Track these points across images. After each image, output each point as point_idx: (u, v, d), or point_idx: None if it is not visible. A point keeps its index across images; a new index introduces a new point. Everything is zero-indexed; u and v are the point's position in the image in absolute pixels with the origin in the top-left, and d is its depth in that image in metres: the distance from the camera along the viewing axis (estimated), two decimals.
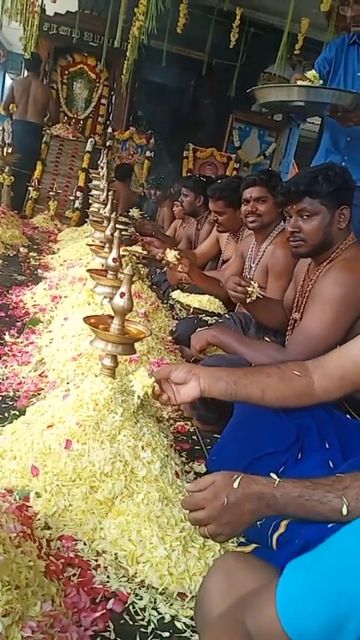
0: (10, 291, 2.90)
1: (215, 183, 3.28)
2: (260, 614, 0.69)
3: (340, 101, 2.06)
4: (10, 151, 4.74)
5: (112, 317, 1.39)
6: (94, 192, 3.81)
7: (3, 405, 1.66)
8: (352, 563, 0.61)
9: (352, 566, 0.61)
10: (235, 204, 2.99)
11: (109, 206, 2.70)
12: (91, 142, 6.47)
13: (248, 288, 1.89)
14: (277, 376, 1.25)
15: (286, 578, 0.68)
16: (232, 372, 1.28)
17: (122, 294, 1.34)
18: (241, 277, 1.99)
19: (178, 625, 1.00)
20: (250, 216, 2.47)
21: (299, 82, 2.12)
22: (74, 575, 1.03)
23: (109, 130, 6.84)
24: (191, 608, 1.01)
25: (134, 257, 3.69)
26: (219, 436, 1.64)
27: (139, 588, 1.06)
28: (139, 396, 1.27)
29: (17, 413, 1.57)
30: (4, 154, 4.69)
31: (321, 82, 2.15)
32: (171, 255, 2.57)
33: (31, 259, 3.85)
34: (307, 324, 1.67)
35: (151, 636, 0.97)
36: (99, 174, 3.99)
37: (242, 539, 1.18)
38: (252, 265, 2.53)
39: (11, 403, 1.68)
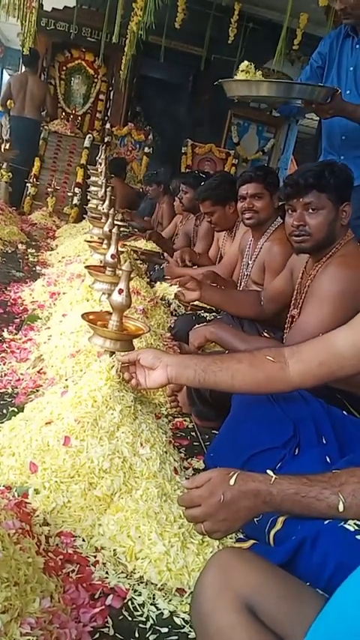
0: (8, 288, 2.89)
1: (201, 186, 3.28)
2: None
3: (311, 96, 2.05)
4: (7, 147, 4.73)
5: (111, 313, 1.40)
6: (92, 188, 3.81)
7: (1, 402, 1.67)
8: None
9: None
10: (221, 200, 3.00)
11: (107, 202, 2.69)
12: (90, 138, 6.45)
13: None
14: (247, 361, 1.23)
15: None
16: (201, 359, 1.27)
17: (120, 291, 1.34)
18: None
19: (177, 621, 1.01)
20: (247, 213, 2.47)
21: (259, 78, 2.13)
22: (73, 571, 1.03)
23: (108, 126, 6.83)
24: (189, 604, 1.01)
25: (133, 253, 3.69)
26: (217, 432, 1.64)
27: (138, 584, 1.07)
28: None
29: (16, 410, 1.57)
30: (2, 150, 4.68)
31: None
32: (172, 290, 2.59)
33: (29, 256, 3.84)
34: (305, 321, 1.67)
35: (150, 632, 0.98)
36: (97, 170, 3.98)
37: (240, 536, 1.18)
38: (249, 262, 2.54)
39: (10, 400, 1.69)
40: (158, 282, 3.02)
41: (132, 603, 1.02)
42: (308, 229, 1.71)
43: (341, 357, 1.17)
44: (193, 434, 1.77)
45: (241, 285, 2.60)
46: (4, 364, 1.93)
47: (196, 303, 2.67)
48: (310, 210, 1.70)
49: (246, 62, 2.09)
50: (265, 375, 1.21)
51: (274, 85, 2.10)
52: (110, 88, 7.03)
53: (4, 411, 1.60)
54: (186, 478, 1.31)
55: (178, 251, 3.40)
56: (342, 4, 2.27)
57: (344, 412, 1.37)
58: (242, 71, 2.08)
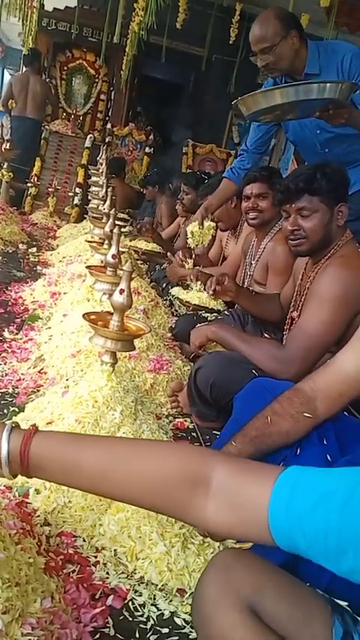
0: (9, 288, 2.90)
1: (203, 185, 3.30)
2: (246, 479, 0.69)
3: (340, 94, 1.94)
4: (8, 147, 4.73)
5: (112, 314, 1.39)
6: (93, 188, 3.81)
7: (2, 402, 1.67)
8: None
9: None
10: None
11: (108, 202, 2.70)
12: (90, 138, 6.45)
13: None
14: (293, 432, 1.22)
15: (299, 472, 0.67)
16: (255, 454, 1.22)
17: (121, 291, 1.34)
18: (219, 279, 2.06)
19: (178, 621, 1.01)
20: (251, 213, 2.48)
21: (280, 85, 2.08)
22: (74, 571, 1.03)
23: (109, 126, 6.83)
24: (190, 605, 1.01)
25: (134, 253, 3.69)
26: (218, 432, 1.64)
27: (139, 584, 1.07)
28: None
29: (16, 409, 1.57)
30: (3, 150, 4.68)
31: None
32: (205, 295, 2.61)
33: (30, 256, 3.84)
34: (305, 321, 1.67)
35: (151, 632, 0.98)
36: (98, 170, 3.98)
37: None
38: (252, 262, 2.54)
39: (10, 400, 1.69)
40: (177, 288, 3.00)
41: (133, 603, 1.02)
42: (303, 233, 1.71)
43: (355, 381, 1.20)
44: (194, 434, 1.77)
45: (243, 285, 2.60)
46: (4, 364, 1.93)
47: (197, 302, 2.68)
48: (304, 215, 1.71)
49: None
50: (306, 430, 1.23)
51: (297, 88, 1.95)
52: (111, 88, 7.03)
53: (5, 410, 1.60)
54: None
55: (179, 251, 3.39)
56: (263, 62, 2.26)
57: (345, 413, 1.37)
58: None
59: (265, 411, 1.24)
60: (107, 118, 7.10)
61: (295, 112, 2.13)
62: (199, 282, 2.66)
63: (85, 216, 4.44)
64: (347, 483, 0.63)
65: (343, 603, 0.82)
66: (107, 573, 1.07)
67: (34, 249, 4.05)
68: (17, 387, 1.78)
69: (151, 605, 1.03)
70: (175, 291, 2.93)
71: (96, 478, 0.76)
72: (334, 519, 0.61)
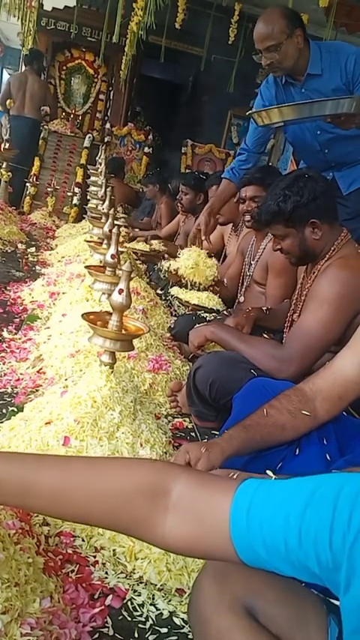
0: (8, 288, 2.89)
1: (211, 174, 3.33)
2: (204, 492, 0.67)
3: (355, 109, 1.96)
4: (8, 146, 4.72)
5: (111, 313, 1.40)
6: (92, 188, 3.81)
7: (1, 402, 1.66)
8: (341, 506, 0.60)
9: (341, 509, 0.59)
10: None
11: (107, 202, 2.70)
12: (89, 137, 6.45)
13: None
14: (290, 427, 1.23)
15: (258, 483, 0.66)
16: (249, 441, 1.21)
17: (121, 291, 1.34)
18: (240, 323, 2.03)
19: (176, 621, 1.01)
20: (247, 215, 2.48)
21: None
22: (73, 571, 1.03)
23: (108, 125, 6.83)
24: (187, 606, 1.01)
25: (133, 254, 3.69)
26: (217, 432, 1.64)
27: (138, 584, 1.07)
28: None
29: (15, 409, 1.57)
30: (2, 149, 4.67)
31: None
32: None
33: (29, 255, 3.84)
34: (304, 322, 1.67)
35: (150, 632, 0.98)
36: (97, 170, 3.98)
37: None
38: (252, 262, 2.54)
39: (9, 400, 1.68)
40: (176, 287, 3.00)
41: (131, 603, 1.02)
42: (285, 250, 1.78)
43: (352, 382, 1.21)
44: (193, 434, 1.77)
45: (243, 285, 2.60)
46: (3, 364, 1.93)
47: (196, 302, 2.68)
48: (278, 238, 1.78)
49: None
50: (305, 429, 1.25)
51: (320, 105, 1.99)
52: (110, 88, 7.03)
53: (4, 410, 1.60)
54: None
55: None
56: (268, 60, 2.27)
57: (344, 413, 1.38)
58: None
59: (263, 406, 1.25)
60: (106, 118, 7.10)
61: (306, 121, 2.18)
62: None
63: (84, 216, 4.45)
64: (306, 488, 0.62)
65: (338, 603, 0.82)
66: (106, 573, 1.07)
67: (33, 249, 4.04)
68: (16, 387, 1.78)
69: (150, 604, 1.03)
70: (174, 290, 2.93)
71: (55, 499, 0.71)
72: (293, 523, 0.60)
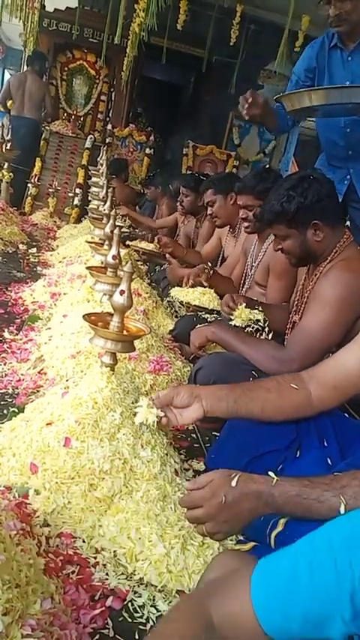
0: (9, 288, 2.89)
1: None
2: (229, 601, 0.70)
3: None
4: (9, 147, 4.73)
5: (112, 314, 1.39)
6: (93, 189, 3.81)
7: (2, 402, 1.66)
8: (340, 558, 0.62)
9: (341, 561, 0.61)
10: (223, 191, 3.02)
11: (108, 203, 2.70)
12: (91, 138, 6.46)
13: (234, 312, 1.95)
14: (275, 391, 1.26)
15: (263, 567, 0.69)
16: (231, 390, 1.28)
17: (122, 292, 1.34)
18: (232, 298, 2.03)
19: None
20: (244, 222, 2.50)
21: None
22: (73, 572, 1.03)
23: (109, 126, 6.83)
24: None
25: (134, 254, 3.70)
26: (218, 434, 1.64)
27: (138, 586, 1.06)
28: (143, 423, 1.26)
29: (16, 410, 1.57)
30: (3, 150, 4.68)
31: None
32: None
33: (30, 256, 3.84)
34: (306, 323, 1.67)
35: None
36: (98, 171, 3.98)
37: (241, 537, 1.18)
38: (253, 264, 2.54)
39: (10, 400, 1.68)
40: (177, 288, 3.00)
41: (132, 605, 1.02)
42: (285, 251, 1.79)
43: (353, 376, 1.21)
44: (194, 435, 1.77)
45: (244, 286, 2.60)
46: (4, 364, 1.93)
47: (197, 303, 2.68)
48: (280, 238, 1.78)
49: None
50: (293, 404, 1.25)
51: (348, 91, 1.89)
52: (112, 89, 7.04)
53: (5, 411, 1.60)
54: (187, 480, 1.30)
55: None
56: (337, 10, 2.13)
57: (345, 415, 1.37)
58: None
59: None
60: (107, 119, 7.11)
61: (333, 112, 2.12)
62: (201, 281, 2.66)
63: (85, 216, 4.45)
64: (304, 556, 0.65)
65: None
66: (107, 574, 1.07)
67: (34, 250, 4.05)
68: (17, 388, 1.78)
69: (151, 606, 1.03)
70: (175, 292, 2.93)
71: None
72: (306, 593, 0.62)
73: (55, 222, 5.61)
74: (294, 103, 2.03)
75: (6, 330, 2.25)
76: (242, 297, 2.06)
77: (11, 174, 4.81)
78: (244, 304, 1.97)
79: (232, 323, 1.95)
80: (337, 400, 1.25)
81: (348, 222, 2.42)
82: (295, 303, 1.88)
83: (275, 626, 0.66)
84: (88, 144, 6.39)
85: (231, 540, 1.19)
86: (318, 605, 0.61)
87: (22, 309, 2.60)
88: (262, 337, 1.95)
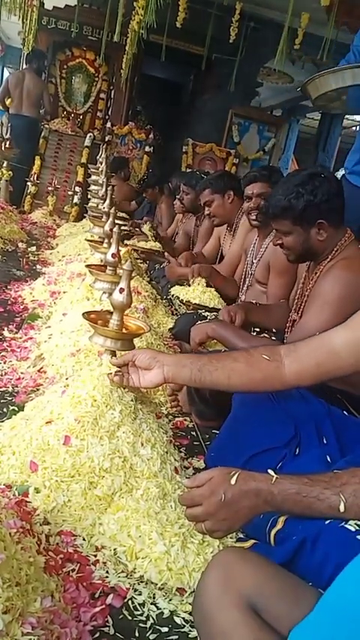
0: (8, 287, 2.89)
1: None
2: None
3: None
4: (8, 145, 4.72)
5: (111, 313, 1.39)
6: (92, 187, 3.81)
7: (2, 401, 1.66)
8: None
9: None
10: (220, 189, 3.02)
11: (108, 201, 2.69)
12: (90, 136, 6.45)
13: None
14: (243, 360, 1.22)
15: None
16: (198, 358, 1.26)
17: (121, 290, 1.34)
18: (232, 310, 2.04)
19: (177, 620, 1.01)
20: (253, 213, 2.48)
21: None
22: (73, 570, 1.03)
23: (108, 124, 6.82)
24: (190, 604, 1.01)
25: (133, 252, 3.69)
26: (217, 431, 1.64)
27: (138, 583, 1.07)
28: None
29: (16, 408, 1.57)
30: (3, 148, 4.67)
31: None
32: (146, 228, 2.58)
33: (29, 254, 3.84)
34: (306, 322, 1.67)
35: (150, 631, 0.97)
36: (98, 169, 3.98)
37: (241, 535, 1.18)
38: (254, 261, 2.54)
39: (10, 399, 1.68)
40: (177, 286, 2.99)
41: (132, 602, 1.02)
42: (286, 247, 1.78)
43: (338, 356, 1.16)
44: (194, 433, 1.77)
45: (244, 284, 2.60)
46: (4, 363, 1.93)
47: (196, 301, 2.68)
48: (282, 233, 1.77)
49: None
50: (262, 374, 1.21)
51: None
52: (111, 87, 7.03)
53: (5, 409, 1.60)
54: (186, 477, 1.30)
55: (182, 255, 3.39)
56: None
57: (345, 412, 1.37)
58: None
59: None
60: (107, 117, 7.10)
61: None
62: (199, 278, 2.66)
63: (85, 215, 4.45)
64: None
65: None
66: (107, 572, 1.07)
67: (34, 248, 4.04)
68: (17, 386, 1.78)
69: (151, 604, 1.03)
70: (175, 290, 2.93)
71: None
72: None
73: (54, 220, 5.61)
74: (318, 87, 1.93)
75: (6, 328, 2.24)
76: (241, 309, 2.07)
77: (11, 172, 4.81)
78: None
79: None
80: (316, 378, 1.20)
81: None
82: (295, 301, 1.88)
83: None
84: (87, 142, 6.39)
85: (231, 538, 1.19)
86: None
87: (21, 307, 2.60)
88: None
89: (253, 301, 2.15)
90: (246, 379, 1.22)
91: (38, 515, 1.12)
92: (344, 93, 1.93)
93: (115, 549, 1.13)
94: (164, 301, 2.95)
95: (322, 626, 0.65)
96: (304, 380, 1.20)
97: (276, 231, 1.81)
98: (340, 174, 2.44)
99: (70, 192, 6.09)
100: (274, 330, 2.09)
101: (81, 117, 7.03)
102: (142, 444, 1.28)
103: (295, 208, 1.67)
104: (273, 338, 2.06)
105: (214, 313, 2.56)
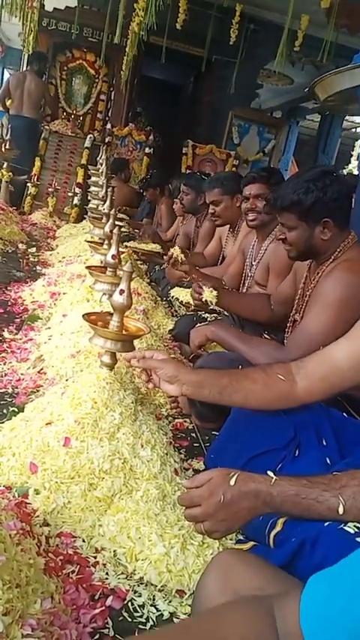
0: (8, 288, 2.89)
1: (210, 177, 3.32)
2: (285, 617, 0.68)
3: None
4: (8, 146, 4.72)
5: (111, 314, 1.40)
6: (92, 188, 3.81)
7: (2, 402, 1.67)
8: None
9: None
10: (230, 192, 3.01)
11: (108, 202, 2.70)
12: (90, 138, 6.46)
13: (202, 296, 2.01)
14: (261, 382, 1.25)
15: (311, 590, 0.67)
16: (217, 379, 1.27)
17: (121, 291, 1.34)
18: (199, 284, 2.07)
19: (177, 622, 1.01)
20: (250, 214, 2.48)
21: None
22: (73, 572, 1.03)
23: (108, 126, 6.82)
24: (189, 605, 1.01)
25: (134, 254, 3.69)
26: (217, 433, 1.64)
27: (138, 585, 1.07)
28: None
29: (16, 410, 1.57)
30: (3, 149, 4.68)
31: None
32: (177, 251, 2.58)
33: (29, 256, 3.84)
34: (307, 324, 1.67)
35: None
36: (98, 170, 3.98)
37: (240, 537, 1.18)
38: (253, 263, 2.54)
39: (10, 400, 1.69)
40: (176, 287, 3.00)
41: (132, 604, 1.02)
42: (289, 242, 1.77)
43: (341, 369, 1.20)
44: (194, 435, 1.77)
45: (244, 286, 2.60)
46: (4, 364, 1.93)
47: (197, 303, 2.68)
48: (286, 227, 1.76)
49: None
50: (278, 394, 1.24)
51: None
52: (111, 89, 7.03)
53: (5, 411, 1.60)
54: (186, 479, 1.31)
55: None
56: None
57: (344, 414, 1.37)
58: None
59: None
60: (107, 118, 7.10)
61: None
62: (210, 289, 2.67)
63: (85, 216, 4.45)
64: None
65: None
66: (107, 574, 1.07)
67: (34, 249, 4.04)
68: (17, 387, 1.78)
69: (151, 605, 1.03)
70: (175, 291, 2.93)
71: None
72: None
73: (54, 221, 5.61)
74: (327, 88, 1.92)
75: (6, 329, 2.25)
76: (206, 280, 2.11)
77: (11, 173, 4.81)
78: (211, 288, 2.06)
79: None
80: (325, 392, 1.23)
81: None
82: (296, 302, 1.88)
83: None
84: (87, 143, 6.39)
85: (230, 540, 1.19)
86: None
87: (21, 308, 2.60)
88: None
89: (225, 285, 2.18)
90: (262, 400, 1.26)
91: (38, 516, 1.13)
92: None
93: (114, 551, 1.13)
94: (164, 303, 2.95)
95: (344, 577, 0.64)
96: (314, 396, 1.24)
97: (281, 225, 1.79)
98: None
99: (70, 194, 6.09)
100: (267, 334, 2.10)
101: (81, 118, 7.03)
102: (142, 446, 1.28)
103: (303, 203, 1.67)
104: (269, 336, 2.06)
105: (214, 315, 2.56)
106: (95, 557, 1.10)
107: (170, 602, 1.04)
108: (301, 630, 0.63)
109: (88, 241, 2.65)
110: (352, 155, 10.63)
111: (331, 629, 0.61)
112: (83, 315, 1.44)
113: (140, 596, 1.04)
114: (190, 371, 1.32)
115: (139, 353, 1.36)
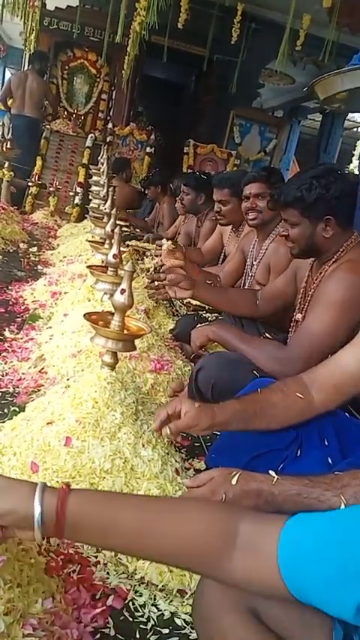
0: (9, 287, 2.90)
1: (221, 174, 3.30)
2: (256, 553, 0.69)
3: None
4: (9, 146, 4.72)
5: (113, 314, 1.40)
6: (94, 188, 3.81)
7: (3, 401, 1.67)
8: None
9: None
10: (239, 194, 3.00)
11: (109, 202, 2.70)
12: (92, 137, 6.45)
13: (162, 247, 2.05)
14: (281, 405, 1.25)
15: (294, 525, 0.68)
16: (241, 413, 1.24)
17: (123, 291, 1.34)
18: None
19: (178, 622, 1.01)
20: (250, 213, 2.48)
21: None
22: (74, 571, 1.03)
23: (110, 125, 6.82)
24: (191, 605, 1.01)
25: (135, 253, 3.69)
26: (218, 433, 1.64)
27: (139, 585, 1.07)
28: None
29: (17, 409, 1.57)
30: (4, 149, 4.67)
31: None
32: (167, 243, 2.56)
33: (30, 255, 3.84)
34: (309, 324, 1.66)
35: (151, 633, 0.98)
36: (99, 170, 3.98)
37: None
38: (254, 263, 2.53)
39: (11, 399, 1.69)
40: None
41: (133, 604, 1.03)
42: (292, 239, 1.77)
43: (351, 376, 1.21)
44: (195, 434, 1.77)
45: (244, 285, 2.60)
46: (5, 363, 1.93)
47: (197, 303, 2.68)
48: (289, 223, 1.76)
49: None
50: (297, 413, 1.25)
51: None
52: (112, 88, 7.03)
53: (6, 410, 1.60)
54: (187, 479, 1.30)
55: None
56: None
57: (346, 414, 1.37)
58: None
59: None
60: (108, 118, 7.10)
61: None
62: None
63: (86, 215, 4.45)
64: (349, 520, 0.63)
65: None
66: (108, 573, 1.07)
67: (35, 249, 4.04)
68: (18, 387, 1.78)
69: (152, 605, 1.03)
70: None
71: (132, 538, 0.74)
72: (351, 545, 0.61)
73: (55, 221, 5.61)
74: (326, 89, 1.93)
75: (7, 329, 2.25)
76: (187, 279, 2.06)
77: (12, 172, 4.81)
78: (169, 242, 2.08)
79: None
80: (338, 401, 1.25)
81: None
82: (298, 301, 1.88)
83: (293, 575, 0.65)
84: (88, 143, 6.39)
85: None
86: (346, 566, 0.60)
87: (22, 308, 2.60)
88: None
89: (218, 277, 2.17)
90: (284, 421, 1.26)
91: None
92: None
93: None
94: (165, 302, 2.95)
95: (320, 521, 0.67)
96: (331, 405, 1.25)
97: (284, 221, 1.80)
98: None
99: (71, 193, 6.09)
100: (267, 335, 2.09)
101: (82, 117, 7.03)
102: (143, 445, 1.28)
103: (306, 199, 1.67)
104: (270, 336, 2.06)
105: (215, 314, 2.56)
106: (96, 557, 1.10)
107: (171, 601, 1.04)
108: (277, 552, 0.66)
109: (90, 241, 2.65)
110: (353, 155, 10.63)
111: (310, 567, 0.63)
112: (84, 315, 1.44)
113: (141, 595, 1.04)
114: (217, 413, 1.21)
115: (163, 414, 1.24)
